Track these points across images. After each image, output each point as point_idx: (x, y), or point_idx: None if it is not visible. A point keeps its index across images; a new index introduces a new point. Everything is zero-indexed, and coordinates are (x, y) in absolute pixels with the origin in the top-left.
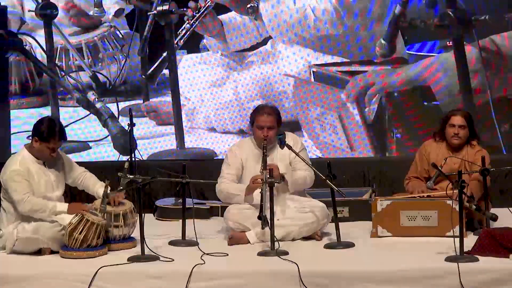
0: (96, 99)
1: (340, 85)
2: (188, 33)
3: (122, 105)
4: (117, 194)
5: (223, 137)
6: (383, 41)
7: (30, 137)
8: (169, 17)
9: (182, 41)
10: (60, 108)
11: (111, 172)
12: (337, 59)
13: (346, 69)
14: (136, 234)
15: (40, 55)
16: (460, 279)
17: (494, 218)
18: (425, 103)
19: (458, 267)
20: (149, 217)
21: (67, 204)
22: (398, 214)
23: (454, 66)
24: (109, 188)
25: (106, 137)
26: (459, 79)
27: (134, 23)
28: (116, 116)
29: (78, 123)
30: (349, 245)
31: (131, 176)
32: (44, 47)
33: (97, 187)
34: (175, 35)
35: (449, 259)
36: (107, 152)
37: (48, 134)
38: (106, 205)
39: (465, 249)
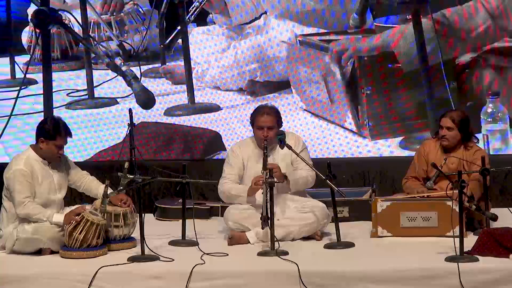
0: (122, 64)
1: (321, 50)
2: (198, 10)
3: (143, 68)
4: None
5: (226, 93)
6: (355, 15)
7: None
8: None
9: (192, 16)
10: (93, 70)
11: (111, 172)
12: (315, 30)
13: (325, 38)
14: (136, 234)
15: (77, 28)
16: (460, 279)
17: (494, 218)
18: (390, 66)
19: (458, 267)
20: (149, 217)
21: (63, 215)
22: (398, 215)
23: (412, 34)
24: (109, 188)
25: (130, 94)
26: (417, 45)
27: (153, 1)
28: (138, 77)
29: (107, 83)
30: (349, 245)
31: (131, 176)
32: (80, 22)
33: (100, 190)
34: (187, 11)
35: (449, 259)
36: (125, 105)
37: (54, 131)
38: (106, 205)
39: (465, 249)
